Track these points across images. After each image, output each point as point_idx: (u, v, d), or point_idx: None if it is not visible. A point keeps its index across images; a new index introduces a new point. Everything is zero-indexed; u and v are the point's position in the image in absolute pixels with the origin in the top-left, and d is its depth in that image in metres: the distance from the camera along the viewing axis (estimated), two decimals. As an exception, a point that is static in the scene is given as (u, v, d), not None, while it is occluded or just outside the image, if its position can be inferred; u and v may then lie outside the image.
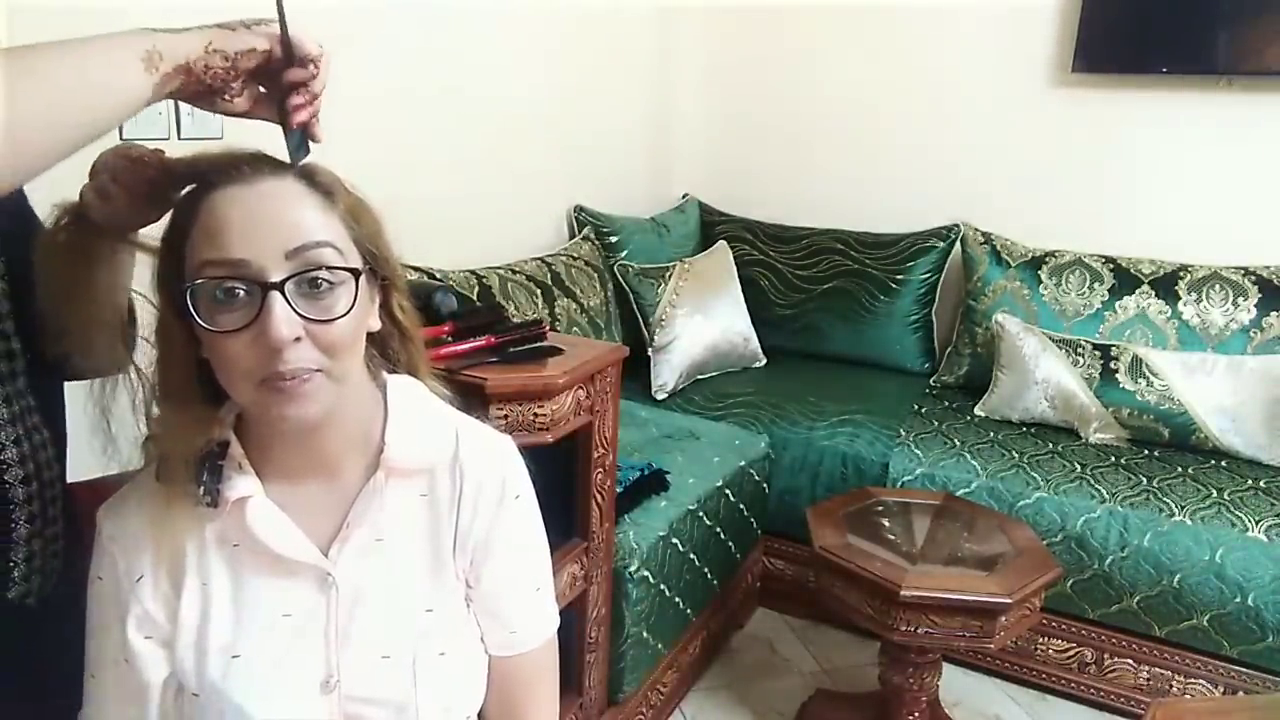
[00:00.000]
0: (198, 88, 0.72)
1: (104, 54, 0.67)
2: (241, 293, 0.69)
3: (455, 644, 0.84)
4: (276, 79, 0.76)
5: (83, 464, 1.04)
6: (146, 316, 0.79)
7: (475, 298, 2.06)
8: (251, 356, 0.69)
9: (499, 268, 2.26)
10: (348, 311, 0.72)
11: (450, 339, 1.44)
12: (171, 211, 0.75)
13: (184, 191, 0.74)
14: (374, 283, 0.79)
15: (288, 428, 0.73)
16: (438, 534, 0.83)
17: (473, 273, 2.15)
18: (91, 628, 0.80)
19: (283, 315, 0.68)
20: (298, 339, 0.69)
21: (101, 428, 0.79)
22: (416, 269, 1.93)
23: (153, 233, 0.78)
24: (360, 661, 0.79)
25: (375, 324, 0.80)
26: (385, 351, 0.86)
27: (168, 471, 0.76)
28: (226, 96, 0.75)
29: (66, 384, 0.94)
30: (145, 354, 0.79)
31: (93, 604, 0.80)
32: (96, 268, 0.78)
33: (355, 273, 0.73)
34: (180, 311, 0.70)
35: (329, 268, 0.71)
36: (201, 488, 0.76)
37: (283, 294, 0.68)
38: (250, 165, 0.72)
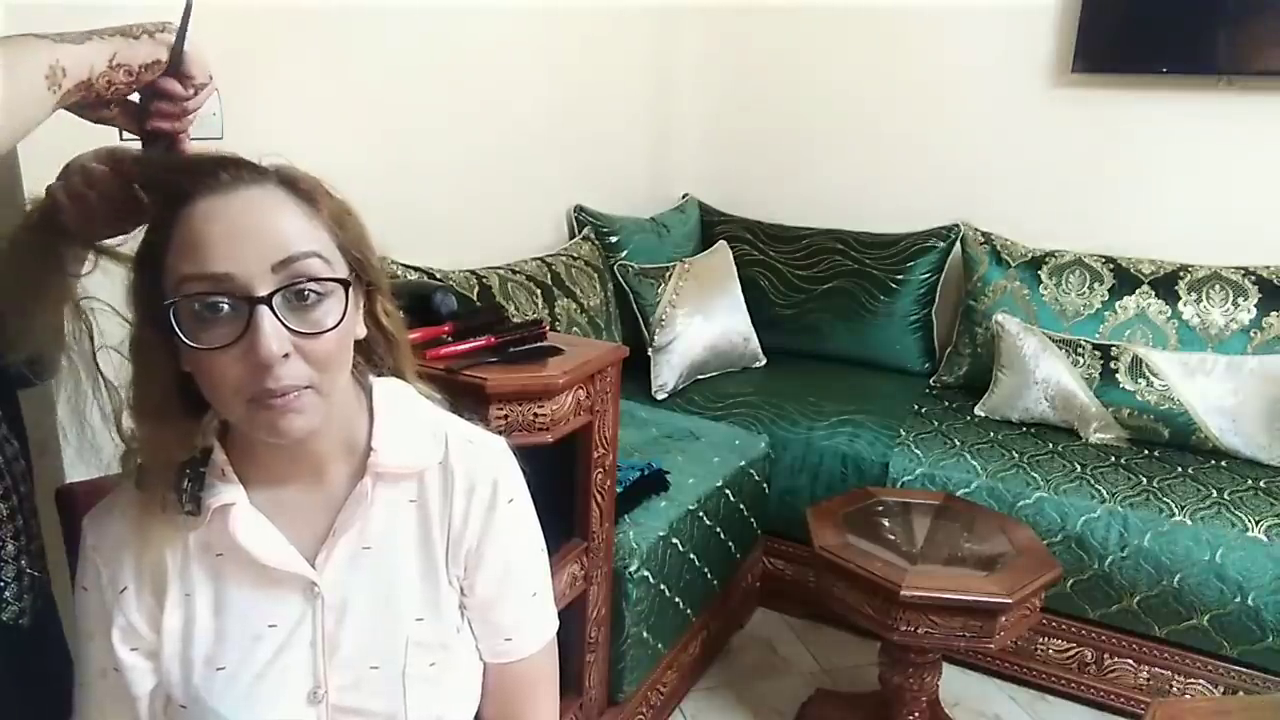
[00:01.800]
0: (93, 101, 0.70)
1: (6, 70, 0.63)
2: (226, 307, 0.66)
3: (447, 653, 0.82)
4: (149, 87, 0.74)
5: (80, 464, 1.04)
6: (109, 326, 0.76)
7: (475, 298, 2.06)
8: (239, 373, 0.67)
9: (499, 268, 2.26)
10: (337, 324, 0.69)
11: (450, 339, 1.44)
12: (147, 222, 0.72)
13: (159, 201, 0.71)
14: (360, 289, 0.76)
15: (277, 441, 0.71)
16: (429, 540, 0.81)
17: (473, 273, 2.15)
18: (79, 637, 0.80)
19: (271, 331, 0.65)
20: (286, 355, 0.67)
21: (75, 434, 0.78)
22: (416, 269, 1.93)
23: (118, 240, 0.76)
24: (348, 672, 0.77)
25: (361, 331, 0.78)
26: (371, 357, 0.84)
27: (148, 481, 0.74)
28: (111, 107, 0.72)
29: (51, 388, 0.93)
30: (110, 364, 0.77)
31: (79, 614, 0.79)
32: (67, 274, 0.75)
33: (344, 283, 0.71)
34: (160, 327, 0.68)
35: (317, 279, 0.69)
36: (183, 496, 0.74)
37: (270, 308, 0.66)
38: (229, 172, 0.69)
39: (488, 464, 0.83)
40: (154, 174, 0.72)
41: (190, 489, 0.74)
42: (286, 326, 0.67)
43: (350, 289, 0.72)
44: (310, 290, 0.68)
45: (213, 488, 0.75)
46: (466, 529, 0.81)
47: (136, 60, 0.69)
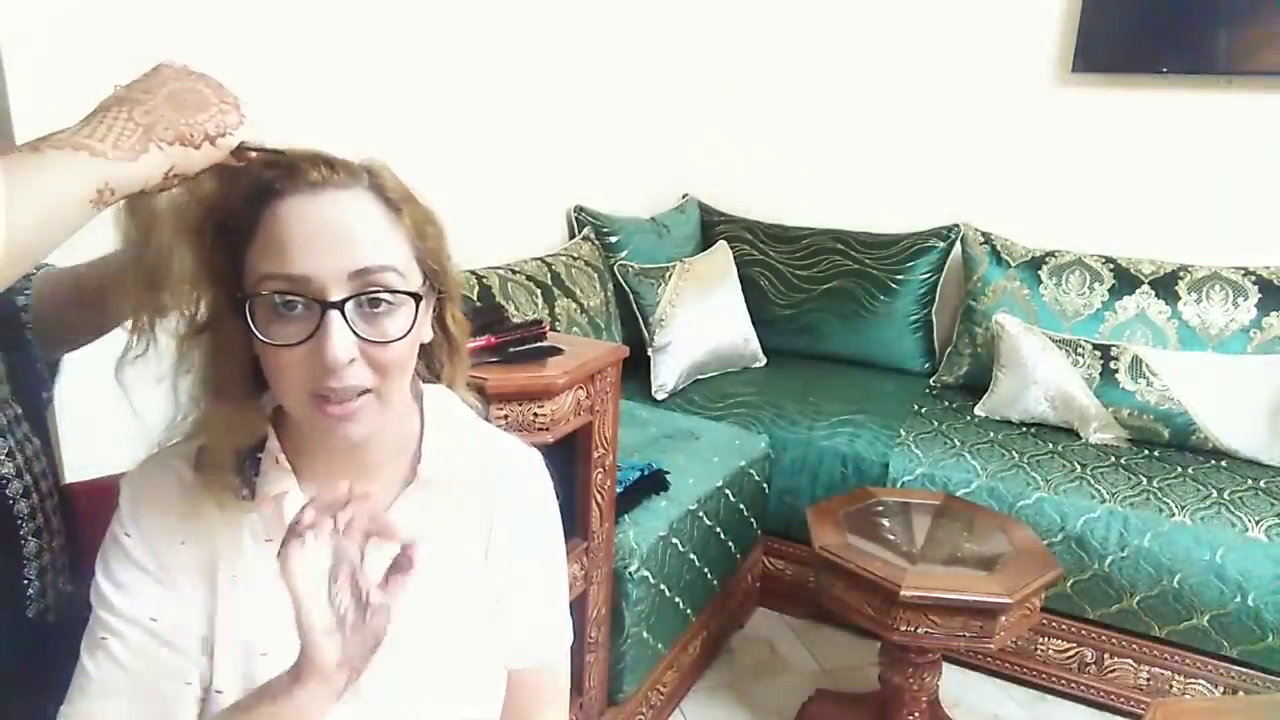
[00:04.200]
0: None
1: (54, 189, 0.61)
2: (300, 307, 0.68)
3: (482, 655, 0.84)
4: None
5: (82, 464, 1.04)
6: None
7: (475, 298, 2.06)
8: (305, 371, 0.68)
9: (499, 268, 2.26)
10: (405, 335, 0.71)
11: (450, 339, 1.44)
12: (230, 208, 0.71)
13: (248, 192, 0.71)
14: (431, 296, 0.77)
15: (334, 445, 0.73)
16: (470, 545, 0.84)
17: (473, 273, 2.15)
18: (109, 587, 0.73)
19: (339, 336, 0.67)
20: (352, 360, 0.68)
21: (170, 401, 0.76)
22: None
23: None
24: (390, 668, 0.78)
25: (428, 335, 0.79)
26: (431, 363, 0.86)
27: (211, 462, 0.75)
28: None
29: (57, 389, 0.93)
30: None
31: (114, 563, 0.74)
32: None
33: (416, 297, 0.72)
34: (235, 310, 0.70)
35: (390, 290, 0.70)
36: (240, 480, 0.75)
37: (342, 314, 0.67)
38: (319, 172, 0.70)
39: (526, 475, 0.88)
40: (249, 165, 0.72)
41: (248, 474, 0.76)
42: (355, 333, 0.68)
43: (421, 301, 0.73)
44: (382, 300, 0.70)
45: (266, 475, 0.76)
46: (506, 537, 0.85)
47: (193, 169, 0.69)
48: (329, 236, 0.68)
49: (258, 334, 0.68)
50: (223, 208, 0.72)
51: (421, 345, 0.78)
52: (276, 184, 0.69)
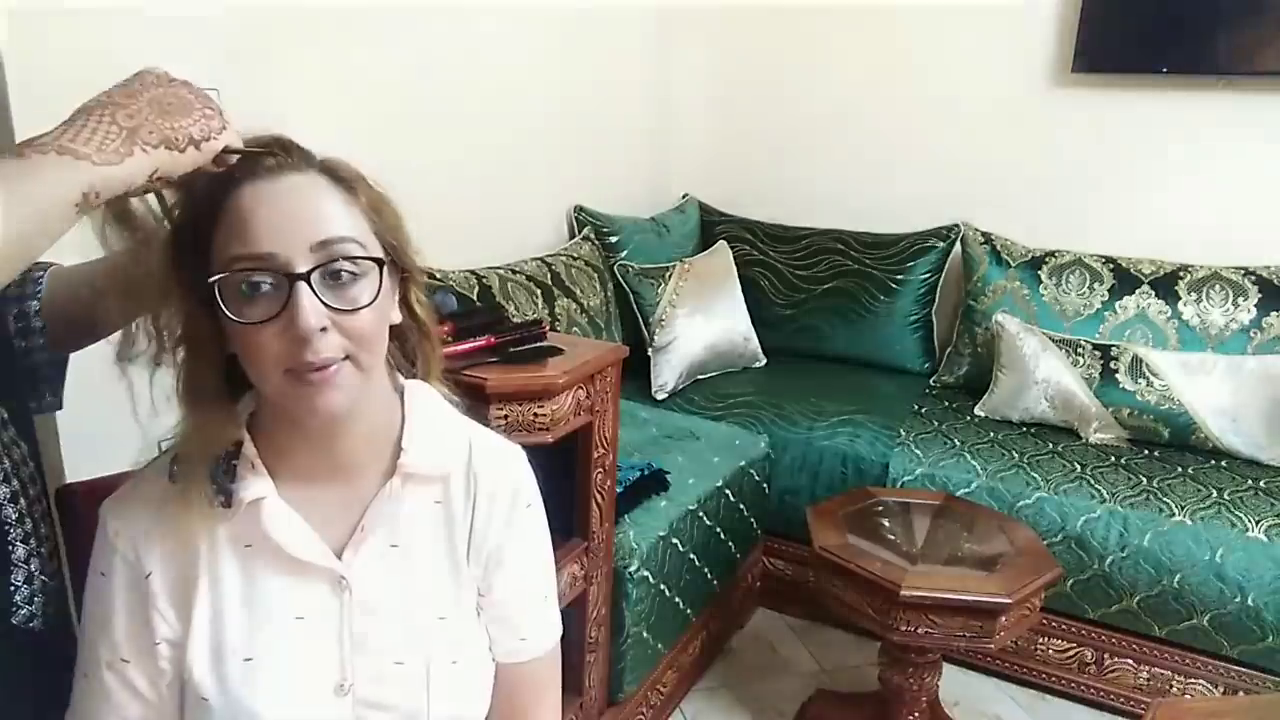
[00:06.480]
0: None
1: (40, 194, 0.62)
2: (268, 285, 0.69)
3: (467, 652, 0.84)
4: None
5: (83, 464, 1.04)
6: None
7: (475, 298, 2.06)
8: (280, 346, 0.70)
9: (499, 268, 2.26)
10: (372, 301, 0.73)
11: (450, 339, 1.44)
12: (191, 203, 0.74)
13: (208, 182, 0.73)
14: (395, 275, 0.79)
15: (315, 421, 0.74)
16: (452, 541, 0.84)
17: (473, 273, 2.15)
18: (89, 624, 0.79)
19: (310, 305, 0.69)
20: (324, 329, 0.70)
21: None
22: (416, 269, 1.93)
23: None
24: (373, 666, 0.79)
25: (396, 316, 0.81)
26: (405, 349, 0.87)
27: (185, 471, 0.76)
28: None
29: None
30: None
31: (92, 600, 0.79)
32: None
33: (379, 262, 0.74)
34: (205, 305, 0.71)
35: (353, 258, 0.72)
36: (216, 487, 0.76)
37: (309, 284, 0.69)
38: (275, 158, 0.73)
39: (508, 470, 0.88)
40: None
41: (223, 481, 0.77)
42: (323, 302, 0.70)
43: (384, 270, 0.75)
44: (345, 269, 0.72)
45: (244, 480, 0.77)
46: (488, 532, 0.85)
47: (178, 172, 0.70)
48: (290, 214, 0.71)
49: (230, 315, 0.69)
50: (185, 204, 0.74)
51: (394, 329, 0.80)
52: (236, 172, 0.72)
